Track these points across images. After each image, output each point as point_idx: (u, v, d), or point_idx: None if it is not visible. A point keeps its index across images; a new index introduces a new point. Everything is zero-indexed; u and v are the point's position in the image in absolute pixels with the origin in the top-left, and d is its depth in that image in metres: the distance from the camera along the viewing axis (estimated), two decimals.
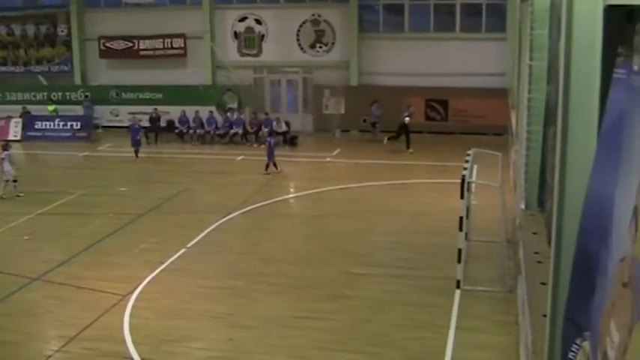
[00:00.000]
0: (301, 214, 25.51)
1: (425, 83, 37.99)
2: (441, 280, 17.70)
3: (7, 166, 26.74)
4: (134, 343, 14.79)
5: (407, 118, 32.06)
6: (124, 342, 14.89)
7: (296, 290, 17.46)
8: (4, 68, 46.02)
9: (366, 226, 22.77)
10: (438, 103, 38.41)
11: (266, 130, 37.27)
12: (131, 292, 17.43)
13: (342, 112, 39.27)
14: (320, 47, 40.29)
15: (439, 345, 14.27)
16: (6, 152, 26.96)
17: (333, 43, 40.16)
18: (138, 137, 35.09)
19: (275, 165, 30.09)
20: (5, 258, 20.54)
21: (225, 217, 23.50)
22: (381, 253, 20.30)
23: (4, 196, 26.45)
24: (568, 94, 5.62)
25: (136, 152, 35.07)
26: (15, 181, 26.77)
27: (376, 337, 14.83)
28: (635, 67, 4.18)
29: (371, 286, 17.68)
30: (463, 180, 16.80)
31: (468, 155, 18.97)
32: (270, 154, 30.10)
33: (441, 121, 38.39)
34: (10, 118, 42.48)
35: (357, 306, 16.45)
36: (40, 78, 45.53)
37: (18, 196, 26.54)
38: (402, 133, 34.26)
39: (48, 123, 41.86)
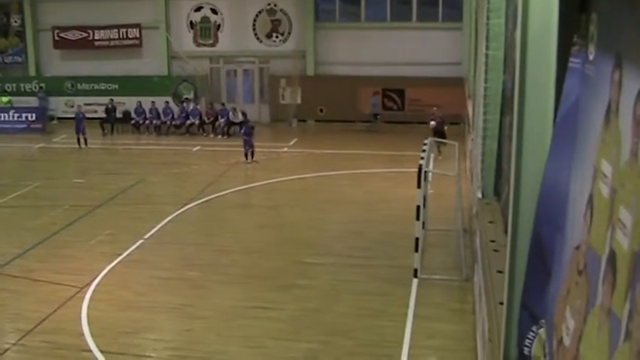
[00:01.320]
0: (256, 204, 25.47)
1: (381, 73, 38.08)
2: (396, 268, 17.81)
3: None
4: (92, 335, 14.71)
5: (432, 122, 30.98)
6: (82, 334, 14.80)
7: (251, 281, 17.48)
8: None
9: (320, 216, 22.82)
10: (394, 92, 38.51)
11: (222, 120, 37.21)
12: (88, 285, 17.31)
13: (299, 102, 39.29)
14: (276, 37, 40.18)
15: (394, 333, 14.37)
16: None
17: (289, 33, 40.07)
18: (82, 126, 34.68)
19: (252, 155, 30.36)
20: None
21: (181, 208, 23.42)
22: (335, 242, 20.32)
23: None
24: (524, 83, 5.66)
25: (79, 140, 34.65)
26: None
27: (331, 326, 14.89)
28: (590, 57, 4.22)
29: (325, 276, 17.74)
30: (420, 169, 16.88)
31: (425, 145, 19.06)
32: (249, 144, 30.12)
33: (398, 110, 38.52)
34: None
35: (311, 296, 16.50)
36: None
37: None
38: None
39: (2, 115, 41.21)
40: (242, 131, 31.10)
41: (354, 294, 16.50)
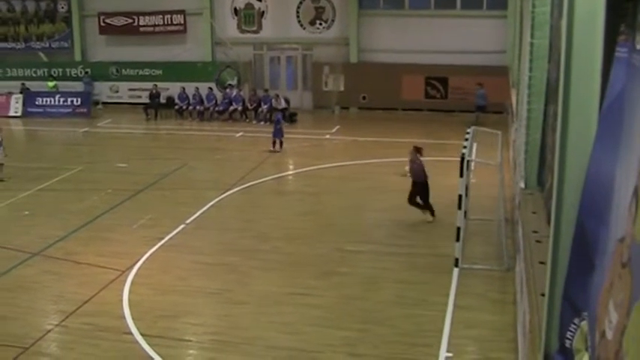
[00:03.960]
0: (298, 191, 25.49)
1: (424, 60, 37.77)
2: (436, 257, 17.77)
3: None
4: (132, 318, 14.86)
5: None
6: (123, 317, 14.95)
7: (290, 267, 17.52)
8: (4, 44, 45.81)
9: (361, 204, 22.77)
10: (437, 80, 38.24)
11: (265, 106, 37.25)
12: (129, 268, 17.46)
13: (342, 89, 39.18)
14: (320, 24, 40.08)
15: (434, 322, 14.31)
16: None
17: (332, 20, 39.95)
18: None
19: (281, 144, 30.12)
20: (4, 233, 20.54)
21: (222, 193, 23.49)
22: (375, 230, 20.29)
23: (3, 180, 26.09)
24: (569, 73, 5.58)
25: None
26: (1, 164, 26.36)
27: (369, 314, 14.88)
28: (637, 46, 4.14)
29: (364, 263, 17.72)
30: (462, 158, 16.74)
31: (468, 133, 18.91)
32: (278, 133, 30.06)
33: (441, 98, 38.25)
34: (10, 94, 42.40)
35: (350, 283, 16.50)
36: (41, 54, 45.37)
37: (1, 180, 26.19)
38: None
39: (48, 99, 41.77)
40: (276, 119, 30.97)
41: (393, 282, 16.46)
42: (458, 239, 16.86)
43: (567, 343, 5.20)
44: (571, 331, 5.14)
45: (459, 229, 16.82)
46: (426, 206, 20.32)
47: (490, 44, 37.09)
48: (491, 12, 37.72)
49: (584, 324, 4.89)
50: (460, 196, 16.74)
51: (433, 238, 19.13)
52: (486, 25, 37.51)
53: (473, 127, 20.12)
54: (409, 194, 20.25)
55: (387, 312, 14.93)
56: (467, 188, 18.02)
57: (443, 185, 22.60)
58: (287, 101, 37.88)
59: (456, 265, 16.85)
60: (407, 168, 20.46)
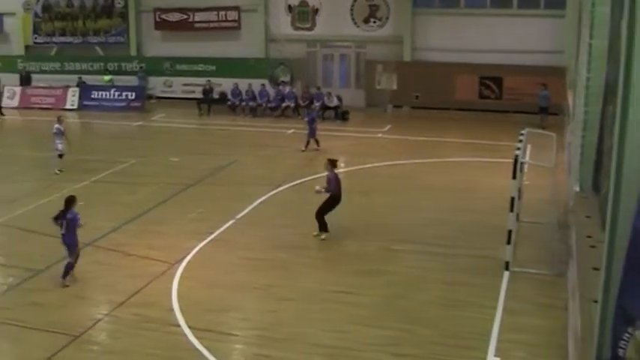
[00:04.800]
0: (347, 189, 25.17)
1: (479, 60, 37.41)
2: (483, 259, 17.61)
3: (57, 140, 26.67)
4: (180, 311, 15.00)
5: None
6: (171, 309, 15.08)
7: (336, 265, 17.54)
8: (62, 39, 46.46)
9: (410, 203, 22.64)
10: (491, 80, 37.86)
11: (317, 104, 37.24)
12: (179, 261, 17.59)
13: (394, 87, 38.97)
14: (374, 22, 39.94)
15: (481, 325, 14.19)
16: (57, 126, 26.87)
17: (387, 18, 39.77)
18: None
19: (317, 142, 29.98)
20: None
21: (273, 190, 23.52)
22: (423, 230, 20.12)
23: (61, 170, 26.43)
24: (629, 75, 5.46)
25: None
26: (61, 156, 26.70)
27: (413, 314, 14.83)
28: None
29: (411, 263, 17.65)
30: (516, 160, 16.53)
31: (522, 135, 18.67)
32: (312, 131, 30.03)
33: (495, 99, 37.86)
34: (67, 87, 43.03)
35: (395, 282, 16.45)
36: (97, 49, 45.88)
37: (60, 171, 26.57)
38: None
39: (103, 93, 42.29)
40: (306, 117, 30.84)
41: (440, 283, 16.35)
42: (509, 242, 16.65)
43: (620, 352, 5.09)
44: (624, 340, 5.04)
45: (510, 231, 16.62)
46: (322, 221, 19.42)
47: (547, 44, 36.58)
48: (548, 11, 37.14)
49: (639, 333, 4.79)
50: (512, 199, 16.52)
51: (482, 240, 18.93)
52: (543, 24, 37.01)
53: (527, 129, 19.86)
54: (320, 207, 19.44)
55: (433, 313, 14.85)
56: (519, 190, 17.81)
57: (493, 187, 22.49)
58: (339, 99, 37.84)
59: (507, 269, 16.64)
60: (317, 187, 19.66)
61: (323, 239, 19.19)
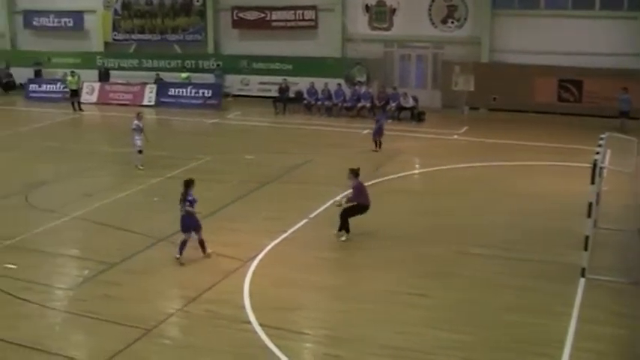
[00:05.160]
0: (420, 190, 25.29)
1: (558, 62, 36.85)
2: (557, 265, 17.34)
3: (136, 136, 27.12)
4: (252, 308, 15.08)
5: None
6: (242, 307, 15.18)
7: (409, 266, 17.42)
8: (141, 36, 47.19)
9: (483, 206, 22.42)
10: (571, 83, 37.27)
11: (393, 104, 37.17)
12: (252, 259, 17.71)
13: (472, 89, 38.62)
14: (451, 23, 39.64)
15: (554, 332, 13.98)
16: (136, 122, 27.32)
17: (465, 19, 39.44)
18: None
19: (379, 144, 29.83)
20: (133, 218, 21.17)
21: (347, 190, 23.48)
22: (496, 233, 19.87)
23: (142, 166, 26.89)
24: None
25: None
26: (140, 152, 27.14)
27: (485, 318, 14.67)
28: None
29: (482, 267, 17.45)
30: (595, 164, 16.21)
31: (601, 139, 18.32)
32: (377, 132, 29.87)
33: (575, 102, 37.24)
34: (145, 84, 43.72)
35: (466, 286, 16.31)
36: (175, 46, 46.48)
37: (141, 166, 27.02)
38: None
39: (180, 90, 42.83)
40: (377, 117, 30.68)
41: (512, 288, 16.14)
42: (586, 248, 16.33)
43: None
44: None
45: (587, 237, 16.30)
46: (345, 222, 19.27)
47: (629, 46, 35.86)
48: (631, 13, 36.33)
49: None
50: (590, 204, 16.21)
51: (556, 245, 18.65)
52: (625, 26, 36.27)
53: (607, 134, 19.49)
54: (346, 209, 19.32)
55: (504, 318, 14.67)
56: (597, 196, 17.48)
57: (570, 192, 22.13)
58: (415, 100, 37.68)
59: (583, 275, 16.34)
60: (337, 199, 19.87)
61: (343, 240, 19.07)
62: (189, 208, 17.85)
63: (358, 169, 19.76)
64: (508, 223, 20.69)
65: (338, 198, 19.81)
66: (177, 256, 17.74)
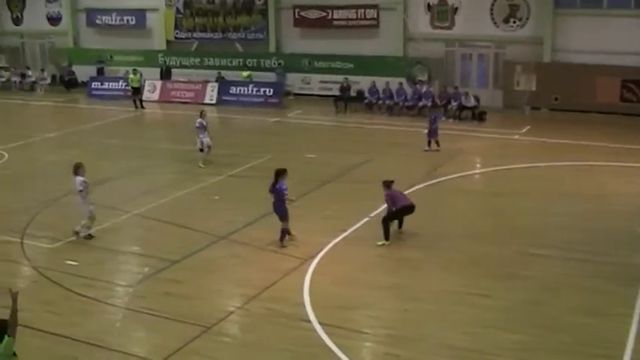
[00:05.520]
0: (482, 190, 25.09)
1: (621, 62, 36.25)
2: (621, 267, 17.13)
3: (200, 134, 27.29)
4: (311, 306, 15.13)
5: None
6: (302, 305, 15.24)
7: (470, 267, 17.31)
8: (203, 34, 47.45)
9: (545, 207, 22.20)
10: (634, 83, 36.57)
11: (455, 104, 36.93)
12: (312, 257, 17.76)
13: (533, 88, 38.19)
14: (513, 22, 39.18)
15: (616, 335, 13.81)
16: (200, 120, 27.47)
17: (527, 18, 38.93)
18: None
19: (437, 143, 29.59)
20: (194, 216, 21.33)
21: (408, 189, 23.34)
22: (559, 234, 19.67)
23: (202, 165, 27.04)
24: None
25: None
26: (201, 150, 27.25)
27: (547, 320, 14.53)
28: None
29: (545, 268, 17.27)
30: None
31: None
32: (434, 132, 29.61)
33: (637, 102, 36.52)
34: (206, 82, 44.03)
35: (529, 287, 16.16)
36: (237, 45, 46.71)
37: (203, 164, 27.14)
38: None
39: (242, 88, 43.04)
40: (433, 117, 30.33)
41: (574, 289, 15.97)
42: None
43: None
44: None
45: None
46: (386, 229, 19.06)
47: None
48: None
49: None
50: None
51: (621, 247, 18.40)
52: None
53: None
54: (386, 217, 19.30)
55: (567, 319, 14.51)
56: None
57: (632, 192, 21.82)
58: (477, 99, 37.40)
59: None
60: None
61: (379, 245, 18.82)
62: (281, 196, 18.84)
63: (391, 181, 19.78)
64: (569, 224, 20.48)
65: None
66: (281, 244, 18.73)
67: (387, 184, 19.65)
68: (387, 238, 18.87)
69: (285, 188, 18.89)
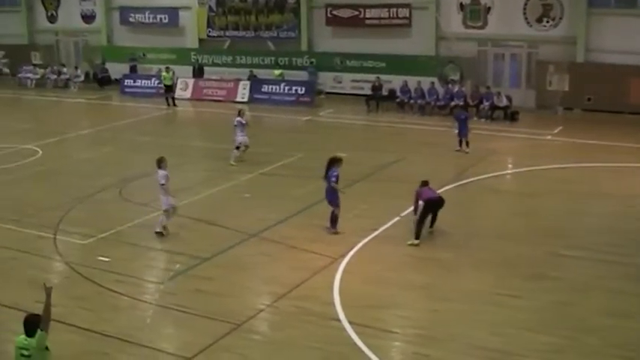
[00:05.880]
0: (514, 190, 24.97)
1: None
2: None
3: (239, 133, 27.42)
4: (341, 305, 15.15)
5: None
6: (332, 304, 15.27)
7: (501, 267, 17.26)
8: (235, 33, 47.58)
9: (577, 208, 22.08)
10: None
11: (487, 103, 36.79)
12: (342, 256, 17.79)
13: (566, 89, 37.93)
14: (547, 22, 38.93)
15: None
16: (238, 119, 27.58)
17: (560, 18, 38.65)
18: None
19: (467, 144, 29.27)
20: (225, 214, 21.43)
21: (439, 189, 23.26)
22: (591, 236, 19.58)
23: (233, 163, 27.14)
24: None
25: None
26: (237, 148, 27.34)
27: (578, 321, 14.46)
28: None
29: (577, 269, 17.21)
30: None
31: None
32: (464, 131, 29.32)
33: None
34: (238, 80, 44.17)
35: (561, 288, 16.08)
36: (269, 43, 46.81)
37: (235, 163, 27.22)
38: None
39: (273, 87, 43.13)
40: (460, 116, 30.05)
41: (607, 291, 15.87)
42: None
43: None
44: None
45: None
46: (419, 228, 19.06)
47: None
48: None
49: None
50: None
51: None
52: None
53: None
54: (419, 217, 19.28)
55: (598, 321, 14.43)
56: None
57: None
58: (509, 99, 37.22)
59: None
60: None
61: (409, 244, 18.78)
62: (334, 184, 19.54)
63: (426, 181, 19.96)
64: (599, 225, 20.44)
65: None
66: (333, 230, 19.67)
67: (422, 183, 19.81)
68: (417, 237, 18.85)
69: (336, 176, 19.55)
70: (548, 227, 20.12)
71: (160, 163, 19.80)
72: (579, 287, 16.10)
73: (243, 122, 27.32)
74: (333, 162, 19.80)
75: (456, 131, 29.29)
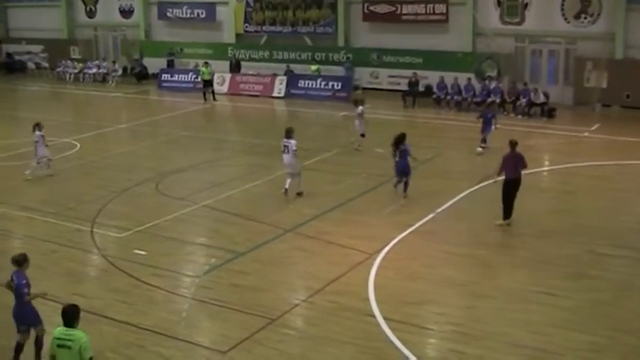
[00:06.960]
0: (552, 188, 24.77)
1: None
2: None
3: (356, 122, 29.09)
4: (376, 301, 15.14)
5: None
6: (367, 299, 15.25)
7: (539, 265, 17.13)
8: (272, 28, 47.68)
9: (616, 206, 21.89)
10: None
11: (524, 100, 36.55)
12: (378, 252, 17.75)
13: (604, 85, 37.56)
14: (585, 18, 38.55)
15: None
16: (361, 108, 29.06)
17: (598, 14, 38.25)
18: None
19: (484, 140, 28.94)
20: (261, 209, 21.50)
21: (476, 185, 23.23)
22: (631, 234, 19.34)
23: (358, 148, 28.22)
24: None
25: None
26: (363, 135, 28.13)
27: (619, 321, 14.29)
28: None
29: (617, 268, 17.05)
30: None
31: None
32: (488, 129, 29.08)
33: None
34: (275, 75, 44.28)
35: (600, 287, 15.92)
36: (306, 39, 46.84)
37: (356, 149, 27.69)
38: None
39: (310, 82, 43.20)
40: (487, 115, 29.75)
41: None
42: None
43: None
44: None
45: None
46: (507, 209, 19.57)
47: None
48: None
49: None
50: None
51: None
52: None
53: None
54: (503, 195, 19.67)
55: (636, 321, 14.29)
56: None
57: None
58: (546, 96, 36.94)
59: None
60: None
61: (497, 224, 19.39)
62: (405, 154, 22.09)
63: (515, 142, 20.23)
64: (638, 223, 20.16)
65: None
66: (404, 194, 22.25)
67: (512, 144, 20.11)
68: (505, 217, 19.52)
69: (408, 148, 22.19)
70: (587, 225, 19.94)
71: (289, 133, 22.76)
72: (619, 286, 15.95)
73: (360, 112, 28.67)
74: (402, 138, 22.31)
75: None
